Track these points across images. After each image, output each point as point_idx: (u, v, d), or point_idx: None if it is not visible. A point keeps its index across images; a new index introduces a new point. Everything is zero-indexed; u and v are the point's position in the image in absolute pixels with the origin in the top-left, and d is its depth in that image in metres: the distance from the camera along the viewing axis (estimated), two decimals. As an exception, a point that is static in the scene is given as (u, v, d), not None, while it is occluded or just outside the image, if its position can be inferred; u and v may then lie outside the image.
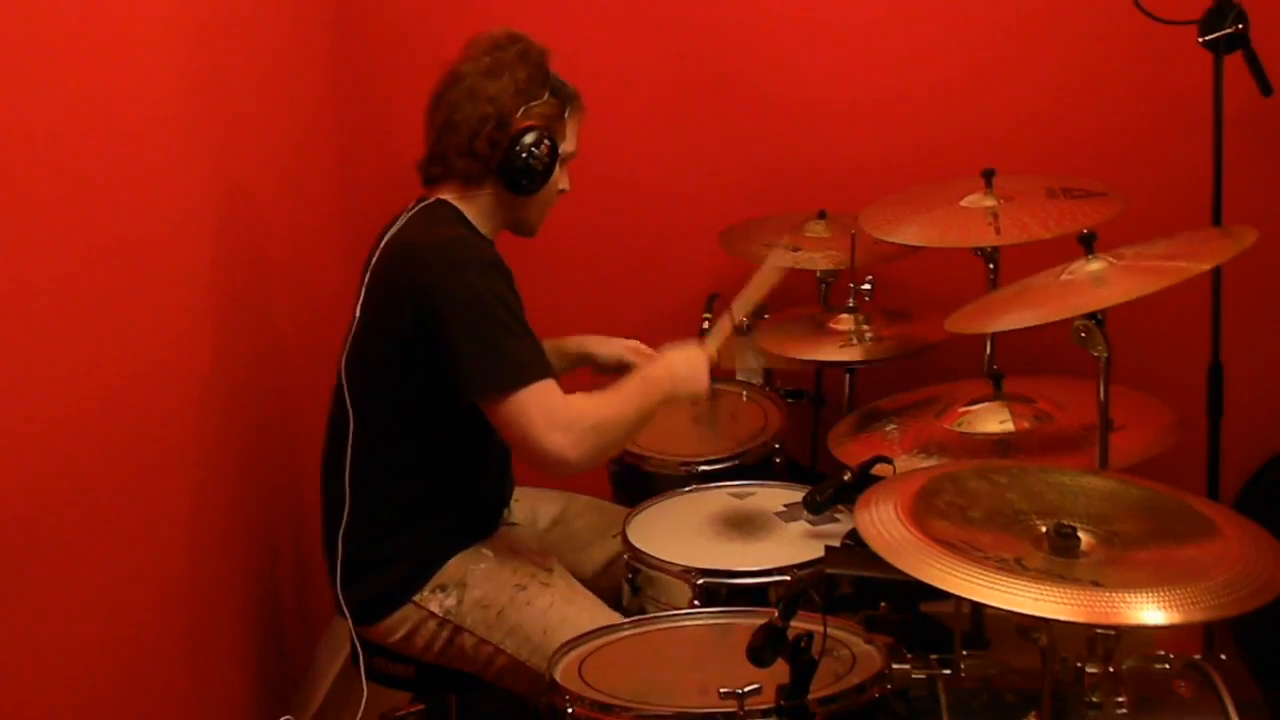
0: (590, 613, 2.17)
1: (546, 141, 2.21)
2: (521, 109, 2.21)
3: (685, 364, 2.30)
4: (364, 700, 2.21)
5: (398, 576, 2.22)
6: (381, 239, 2.25)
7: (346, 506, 2.21)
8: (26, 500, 1.65)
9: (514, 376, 2.08)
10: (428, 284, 2.12)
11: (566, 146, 2.28)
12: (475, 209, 2.26)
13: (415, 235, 2.21)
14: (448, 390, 2.13)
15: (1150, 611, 1.42)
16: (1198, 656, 1.75)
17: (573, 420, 2.09)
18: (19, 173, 1.65)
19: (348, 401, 2.21)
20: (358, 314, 2.23)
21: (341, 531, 2.22)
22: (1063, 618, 1.42)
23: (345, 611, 2.22)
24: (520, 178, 2.22)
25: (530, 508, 2.49)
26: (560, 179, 2.30)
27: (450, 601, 2.21)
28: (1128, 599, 1.43)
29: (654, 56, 3.21)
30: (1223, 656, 1.75)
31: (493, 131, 2.20)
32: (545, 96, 2.24)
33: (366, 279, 2.22)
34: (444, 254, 2.15)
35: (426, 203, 2.27)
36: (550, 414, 2.08)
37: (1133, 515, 1.63)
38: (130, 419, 1.95)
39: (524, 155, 2.20)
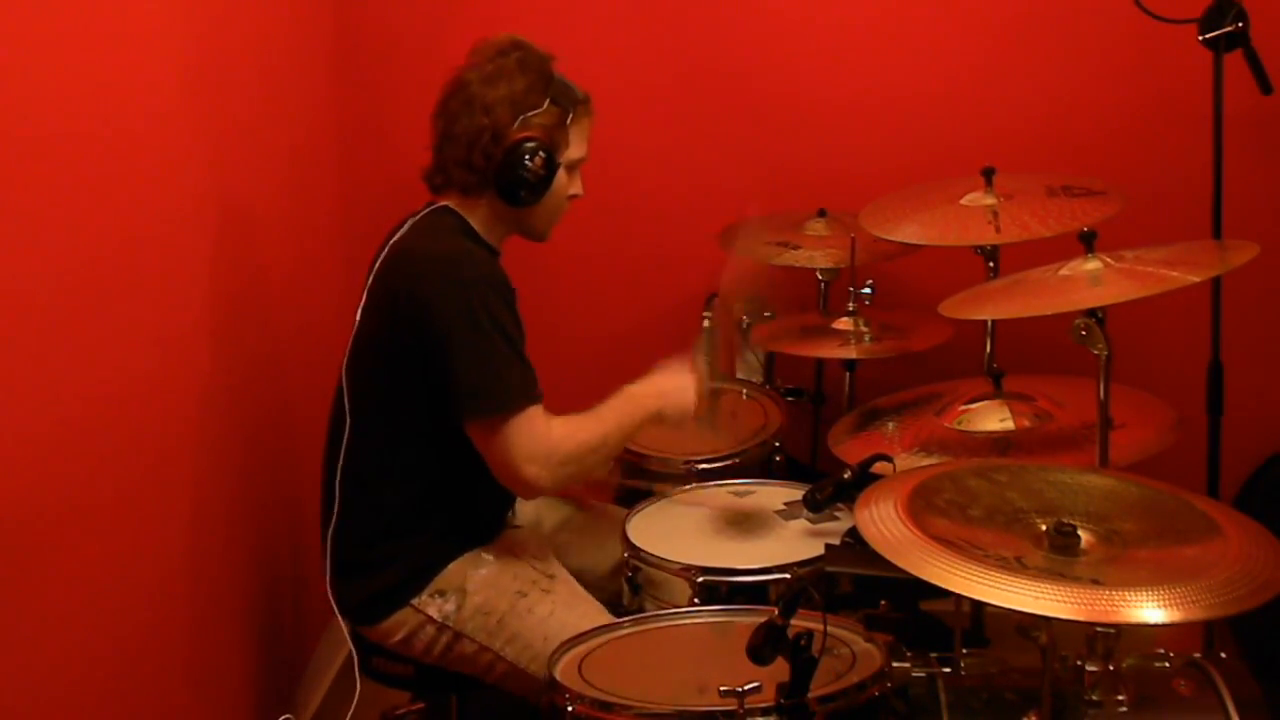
0: (592, 620, 2.16)
1: (542, 154, 2.18)
2: (518, 120, 2.19)
3: (672, 381, 2.28)
4: (357, 696, 2.21)
5: (396, 578, 2.22)
6: (387, 243, 2.25)
7: (337, 506, 2.22)
8: (27, 502, 1.65)
9: (499, 402, 2.09)
10: (428, 296, 2.12)
11: (572, 153, 2.26)
12: (478, 218, 2.25)
13: (419, 243, 2.21)
14: (443, 399, 2.13)
15: (1150, 610, 1.42)
16: (1198, 655, 1.75)
17: (551, 452, 2.11)
18: (18, 175, 1.65)
19: (346, 403, 2.21)
20: (359, 317, 2.22)
21: (332, 531, 2.22)
22: (1063, 616, 1.42)
23: (338, 610, 2.22)
24: (516, 190, 2.20)
25: (534, 510, 2.48)
26: (570, 185, 2.28)
27: (449, 607, 2.20)
28: (1128, 597, 1.43)
29: (654, 56, 3.21)
30: (1223, 655, 1.76)
31: (488, 144, 2.18)
32: (545, 105, 2.21)
33: (370, 283, 2.22)
34: (447, 268, 2.14)
35: (433, 208, 2.26)
36: (530, 444, 2.10)
37: (1133, 514, 1.63)
38: (130, 421, 1.95)
39: (518, 169, 2.18)
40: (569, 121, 2.24)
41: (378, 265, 2.23)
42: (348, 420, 2.21)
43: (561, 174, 2.24)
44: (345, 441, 2.21)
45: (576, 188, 2.31)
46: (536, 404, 2.13)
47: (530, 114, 2.20)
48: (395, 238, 2.24)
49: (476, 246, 2.23)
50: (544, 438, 2.11)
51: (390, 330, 2.17)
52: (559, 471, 2.13)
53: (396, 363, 2.16)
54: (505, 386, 2.10)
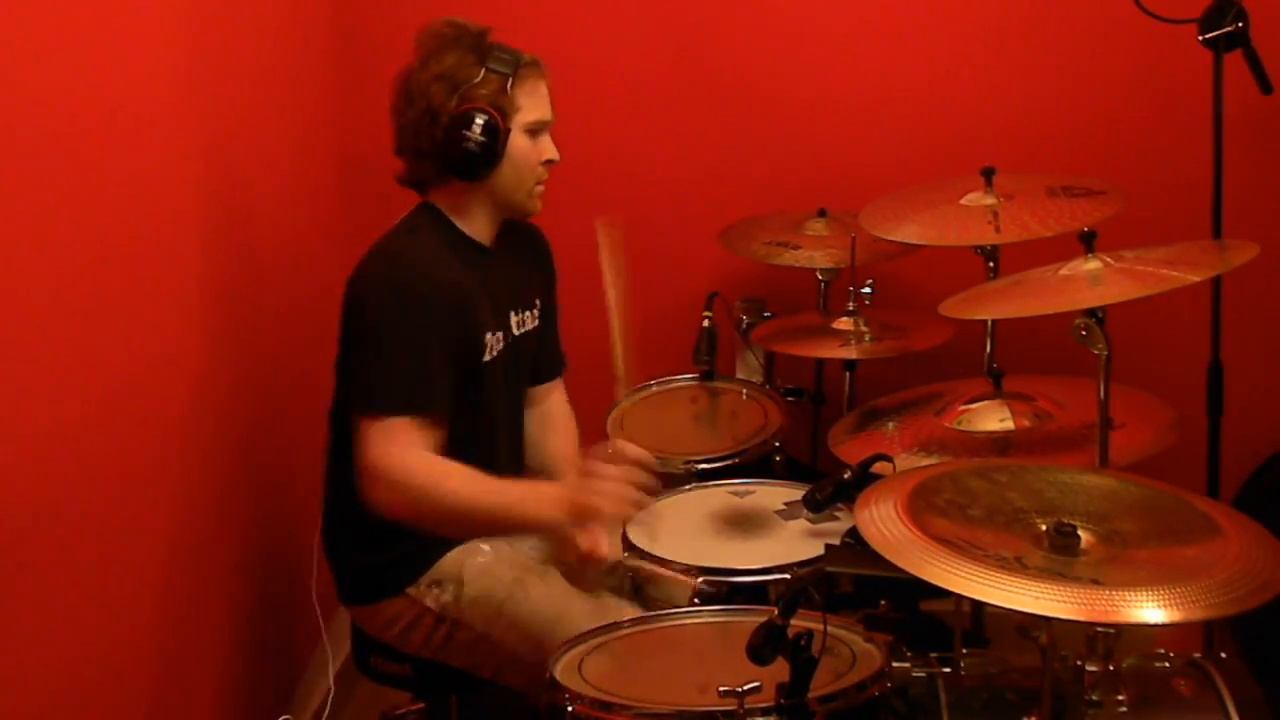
0: (590, 604, 2.17)
1: (480, 122, 2.13)
2: (454, 96, 2.15)
3: (563, 506, 2.04)
4: (331, 691, 2.21)
5: (390, 560, 2.22)
6: None
7: (333, 498, 2.24)
8: (24, 499, 1.65)
9: (367, 402, 2.06)
10: (358, 294, 2.15)
11: (526, 115, 2.19)
12: (453, 206, 2.24)
13: (379, 243, 2.21)
14: None
15: (1150, 610, 1.42)
16: (1198, 655, 1.75)
17: (395, 475, 2.02)
18: (17, 170, 1.65)
19: (335, 397, 2.24)
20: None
21: (325, 520, 2.25)
22: (1063, 616, 1.42)
23: (338, 595, 2.25)
24: (469, 164, 2.15)
25: None
26: (537, 150, 2.22)
27: (446, 597, 2.21)
28: (1128, 597, 1.43)
29: (654, 56, 3.21)
30: (1223, 655, 1.75)
31: (429, 126, 2.15)
32: (480, 76, 2.15)
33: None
34: (379, 268, 2.15)
35: (415, 207, 2.27)
36: (374, 455, 2.04)
37: (1132, 514, 1.63)
38: (128, 416, 1.95)
39: (461, 142, 2.13)
40: (511, 85, 2.17)
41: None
42: (337, 412, 2.23)
43: (520, 139, 2.19)
44: (334, 434, 2.23)
45: (549, 152, 2.24)
46: (403, 416, 2.05)
47: (466, 87, 2.15)
48: None
49: (428, 246, 2.19)
50: (389, 456, 2.03)
51: (346, 328, 2.19)
52: (392, 497, 2.03)
53: None
54: (378, 387, 2.07)
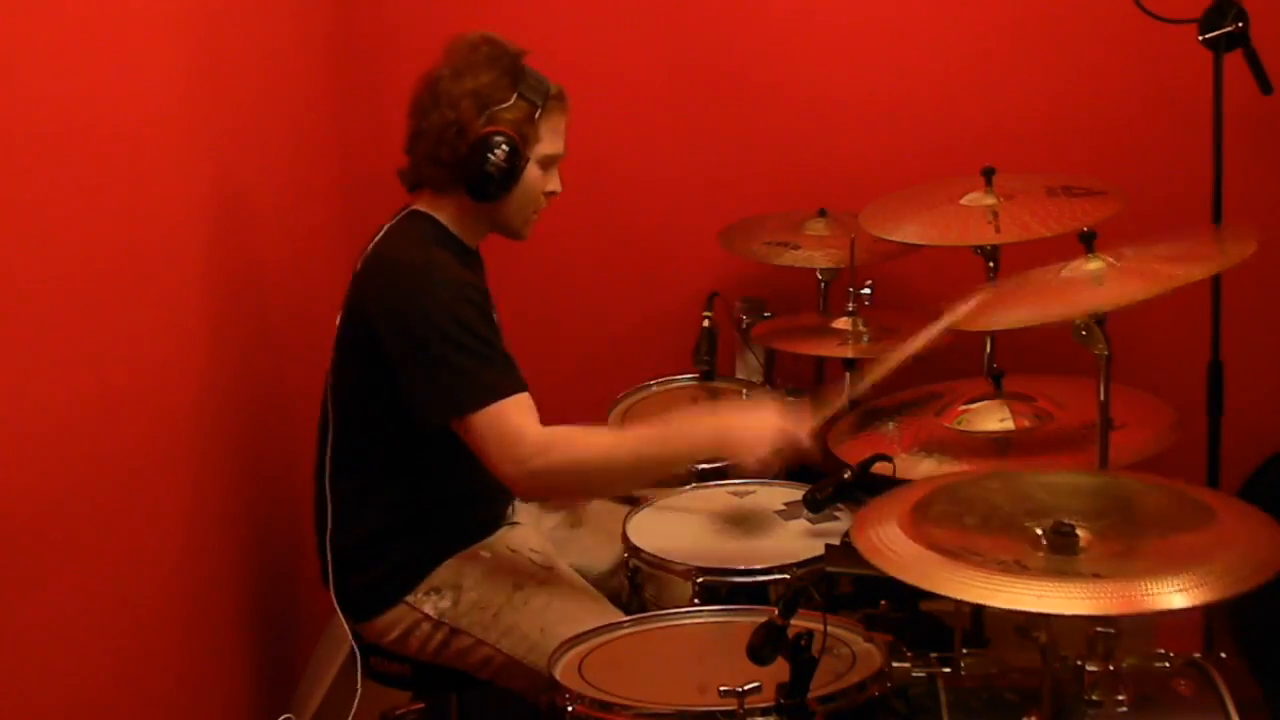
0: (589, 609, 2.17)
1: (505, 147, 2.14)
2: (484, 115, 2.16)
3: (746, 430, 2.10)
4: (358, 696, 2.21)
5: (388, 572, 2.22)
6: (364, 251, 2.24)
7: (330, 508, 2.23)
8: (24, 500, 1.65)
9: (464, 400, 2.04)
10: (389, 308, 2.12)
11: (545, 148, 2.21)
12: (450, 216, 2.24)
13: (387, 252, 2.20)
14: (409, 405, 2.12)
15: (1159, 597, 1.41)
16: (1198, 655, 1.74)
17: (529, 454, 2.03)
18: (18, 171, 1.65)
19: (329, 407, 2.23)
20: (339, 324, 2.23)
21: (328, 532, 2.23)
22: (1067, 612, 1.42)
23: (337, 606, 2.22)
24: (481, 186, 2.16)
25: (535, 508, 2.48)
26: (545, 181, 2.24)
27: (445, 604, 2.21)
28: (1130, 587, 1.43)
29: (654, 55, 3.21)
30: (1223, 655, 1.75)
31: (454, 139, 2.15)
32: (512, 100, 2.17)
33: (348, 291, 2.23)
34: (407, 278, 2.13)
35: (405, 214, 2.25)
36: (503, 442, 2.03)
37: (1126, 508, 1.63)
38: (127, 416, 1.95)
39: (483, 164, 2.14)
40: (538, 116, 2.19)
41: (354, 275, 2.23)
42: (331, 423, 2.22)
43: (534, 169, 2.21)
44: (330, 444, 2.23)
45: (554, 184, 2.27)
46: (511, 395, 2.06)
47: (496, 108, 2.16)
48: (370, 247, 2.24)
49: (443, 251, 2.20)
50: (516, 437, 2.04)
51: (362, 341, 2.17)
52: (537, 479, 2.06)
53: (370, 372, 2.15)
54: (469, 383, 2.06)
